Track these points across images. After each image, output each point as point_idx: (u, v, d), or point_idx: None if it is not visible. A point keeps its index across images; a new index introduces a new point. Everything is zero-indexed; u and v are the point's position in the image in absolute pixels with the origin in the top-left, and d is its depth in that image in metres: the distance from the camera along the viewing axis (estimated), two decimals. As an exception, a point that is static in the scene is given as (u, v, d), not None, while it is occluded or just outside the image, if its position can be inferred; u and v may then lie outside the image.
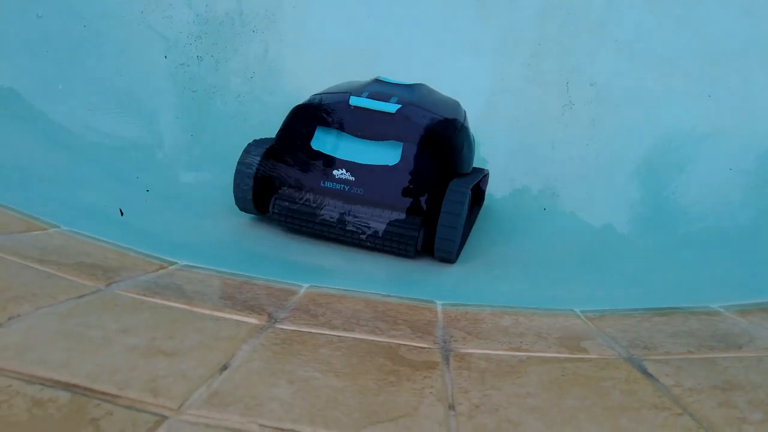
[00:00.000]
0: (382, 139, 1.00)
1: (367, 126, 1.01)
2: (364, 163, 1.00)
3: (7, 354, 0.40)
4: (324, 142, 1.04)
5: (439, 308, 0.67)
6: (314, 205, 1.02)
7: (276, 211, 1.04)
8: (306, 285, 0.71)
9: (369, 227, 0.99)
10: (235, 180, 1.06)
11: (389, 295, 0.71)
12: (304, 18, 1.55)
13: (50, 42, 1.28)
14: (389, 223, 0.99)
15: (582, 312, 0.68)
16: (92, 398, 0.36)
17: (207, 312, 0.55)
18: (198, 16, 1.48)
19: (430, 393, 0.43)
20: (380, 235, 0.99)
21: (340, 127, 1.03)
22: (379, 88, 1.07)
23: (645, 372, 0.49)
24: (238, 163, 1.06)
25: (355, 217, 1.00)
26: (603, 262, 0.94)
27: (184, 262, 0.73)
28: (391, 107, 1.02)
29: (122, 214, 0.95)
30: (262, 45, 1.51)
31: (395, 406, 0.40)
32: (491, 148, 1.31)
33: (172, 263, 0.71)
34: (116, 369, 0.40)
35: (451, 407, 0.41)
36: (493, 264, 0.97)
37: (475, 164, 1.20)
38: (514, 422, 0.39)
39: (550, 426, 0.39)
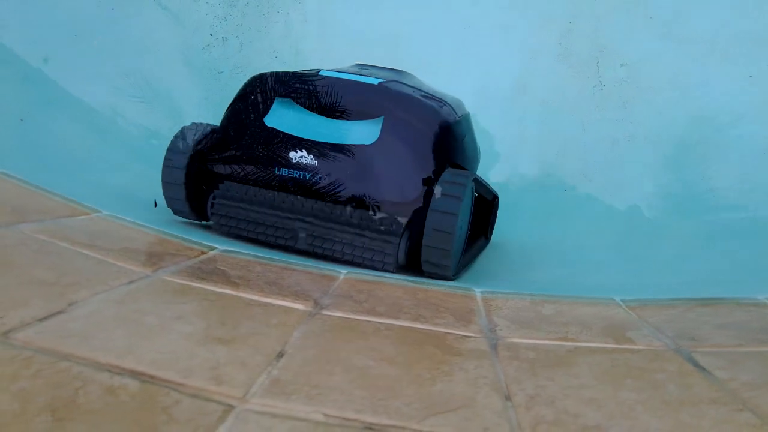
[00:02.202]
0: (358, 117, 0.77)
1: (340, 99, 0.78)
2: (330, 142, 0.76)
3: (74, 340, 0.40)
4: (282, 117, 0.79)
5: (479, 296, 0.67)
6: (264, 202, 0.79)
7: (214, 212, 0.81)
8: (344, 271, 0.71)
9: (334, 233, 0.76)
10: (162, 176, 0.83)
11: (427, 282, 0.71)
12: (329, -2, 1.53)
13: (78, 25, 1.28)
14: (361, 226, 0.75)
15: (623, 301, 0.67)
16: (159, 386, 0.37)
17: (254, 298, 0.56)
18: (223, -2, 1.47)
19: (485, 383, 0.43)
20: (348, 242, 0.75)
21: (306, 100, 0.79)
22: (358, 69, 0.89)
23: (697, 365, 0.48)
24: (166, 151, 0.83)
25: (316, 218, 0.76)
26: (638, 248, 0.93)
27: (224, 248, 0.73)
28: (373, 80, 0.81)
29: (156, 205, 0.93)
30: (286, 26, 1.50)
31: (453, 397, 0.40)
32: (521, 129, 1.29)
33: (212, 248, 0.72)
34: (177, 357, 0.41)
35: (507, 398, 0.41)
36: (525, 249, 0.96)
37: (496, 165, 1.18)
38: (572, 414, 0.39)
39: (609, 418, 0.39)
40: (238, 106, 0.84)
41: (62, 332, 0.41)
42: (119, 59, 1.29)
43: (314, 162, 0.76)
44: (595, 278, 0.81)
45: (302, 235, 0.78)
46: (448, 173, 0.76)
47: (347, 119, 0.78)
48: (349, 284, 0.66)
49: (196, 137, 0.83)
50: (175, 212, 0.87)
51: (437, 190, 0.73)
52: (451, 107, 0.87)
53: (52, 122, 1.05)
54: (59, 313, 0.45)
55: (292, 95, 0.80)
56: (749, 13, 1.25)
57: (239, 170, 0.80)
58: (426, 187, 0.75)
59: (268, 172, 0.78)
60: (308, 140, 0.77)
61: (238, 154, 0.80)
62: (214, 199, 0.82)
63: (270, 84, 0.82)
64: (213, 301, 0.53)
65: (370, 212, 0.76)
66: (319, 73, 0.81)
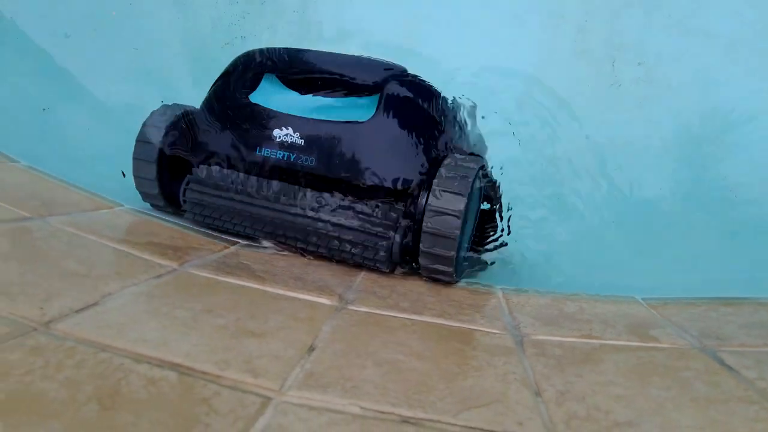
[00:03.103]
0: (353, 94, 0.70)
1: (334, 73, 0.70)
2: (319, 118, 0.68)
3: (111, 332, 0.41)
4: (268, 93, 0.72)
5: (500, 294, 0.68)
6: (243, 188, 0.70)
7: (186, 199, 0.72)
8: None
9: (320, 225, 0.67)
10: (133, 162, 0.75)
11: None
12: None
13: (96, 20, 1.29)
14: (351, 216, 0.66)
15: (644, 299, 0.67)
16: (197, 378, 0.37)
17: (280, 292, 0.57)
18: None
19: (514, 379, 0.44)
20: (336, 234, 0.67)
21: (296, 76, 0.72)
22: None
23: (723, 364, 0.48)
24: (138, 136, 0.75)
25: (301, 207, 0.68)
26: (656, 246, 0.93)
27: (245, 242, 0.74)
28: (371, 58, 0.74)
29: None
30: (303, 25, 1.50)
31: (484, 392, 0.41)
32: (534, 128, 1.29)
33: (233, 242, 0.73)
34: (212, 349, 0.41)
35: (537, 394, 0.42)
36: (541, 247, 0.96)
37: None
38: (603, 410, 0.40)
39: (639, 415, 0.39)
40: (221, 82, 0.75)
41: (99, 323, 0.42)
42: (138, 55, 1.30)
43: (300, 141, 0.67)
44: (614, 276, 0.81)
45: (284, 227, 0.69)
46: (453, 159, 0.66)
47: (340, 96, 0.71)
48: (371, 280, 0.67)
49: (169, 117, 0.75)
50: (151, 204, 0.79)
51: (443, 169, 0.64)
52: (455, 96, 0.79)
53: (72, 116, 1.06)
54: (94, 305, 0.45)
55: (281, 71, 0.73)
56: (769, 11, 1.24)
57: (216, 152, 0.72)
58: (426, 175, 0.65)
59: (249, 153, 0.69)
60: (294, 116, 0.68)
61: (216, 134, 0.72)
62: (187, 184, 0.73)
63: (258, 60, 0.74)
64: (241, 295, 0.54)
65: (362, 201, 0.67)
66: (317, 52, 0.73)
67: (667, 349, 0.52)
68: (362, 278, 0.67)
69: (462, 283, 0.70)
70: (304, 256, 0.71)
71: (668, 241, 0.97)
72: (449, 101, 0.78)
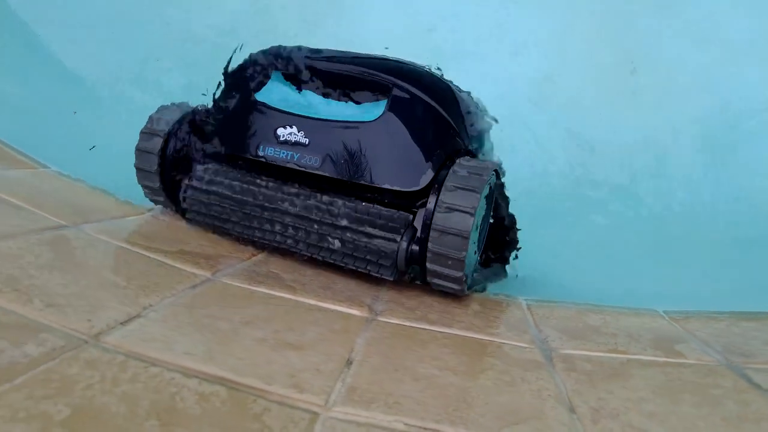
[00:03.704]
0: (363, 93, 0.68)
1: (344, 72, 0.68)
2: (325, 118, 0.66)
3: (158, 345, 0.42)
4: (275, 92, 0.71)
5: (524, 304, 0.69)
6: (244, 190, 0.68)
7: (186, 196, 0.71)
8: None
9: (324, 230, 0.65)
10: (136, 159, 0.74)
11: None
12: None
13: (114, 24, 1.30)
14: (356, 222, 0.63)
15: (665, 312, 0.68)
16: (246, 393, 0.38)
17: (313, 303, 0.58)
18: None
19: (548, 395, 0.45)
20: (339, 239, 0.64)
21: (305, 75, 0.71)
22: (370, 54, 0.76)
23: (751, 382, 0.49)
24: (140, 134, 0.73)
25: (304, 210, 0.65)
26: (674, 255, 0.94)
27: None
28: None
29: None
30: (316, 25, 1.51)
31: (521, 408, 0.42)
32: (549, 130, 1.29)
33: (260, 250, 0.74)
34: (255, 363, 0.43)
35: (572, 410, 0.43)
36: (558, 254, 0.97)
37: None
38: (637, 428, 0.41)
39: (674, 434, 0.40)
40: (229, 80, 0.74)
41: (145, 336, 0.43)
42: (155, 64, 1.31)
43: (304, 140, 0.65)
44: (633, 286, 0.82)
45: (287, 232, 0.67)
46: (465, 160, 0.63)
47: (349, 94, 0.69)
48: (397, 290, 0.68)
49: (175, 114, 0.74)
50: (154, 201, 0.78)
51: (448, 180, 0.60)
52: (471, 99, 0.76)
53: (96, 121, 1.08)
54: (137, 317, 0.46)
55: (290, 70, 0.71)
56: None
57: (219, 150, 0.71)
58: (436, 177, 0.62)
59: (252, 152, 0.67)
60: (299, 115, 0.66)
61: (220, 131, 0.71)
62: (189, 182, 0.71)
63: (267, 59, 0.73)
64: (276, 306, 0.55)
65: (367, 204, 0.64)
66: (327, 51, 0.72)
67: (694, 366, 0.53)
68: (388, 288, 0.68)
69: (486, 294, 0.71)
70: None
71: (686, 248, 0.98)
72: (472, 102, 0.76)
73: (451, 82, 0.75)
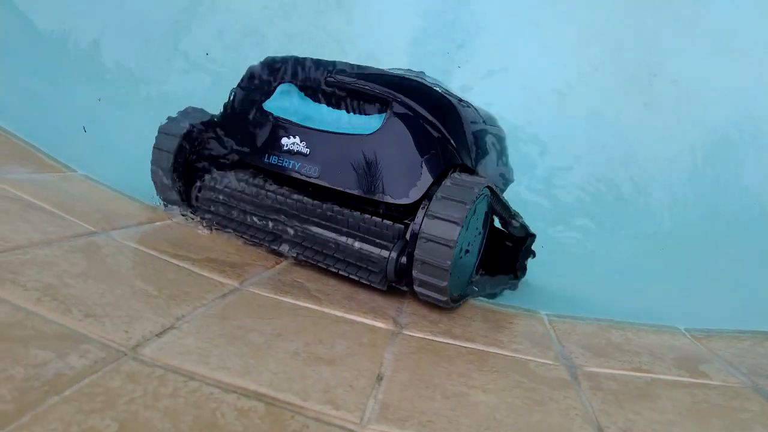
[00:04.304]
0: (368, 106, 0.70)
1: (350, 85, 0.69)
2: (326, 129, 0.68)
3: (194, 358, 0.43)
4: (281, 102, 0.74)
5: (546, 319, 0.69)
6: (249, 195, 0.72)
7: (199, 196, 0.76)
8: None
9: (321, 236, 0.68)
10: (152, 157, 0.77)
11: (491, 302, 0.73)
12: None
13: (151, 29, 1.31)
14: (351, 231, 0.67)
15: (687, 330, 0.68)
16: (283, 409, 0.39)
17: (339, 314, 0.58)
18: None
19: (576, 414, 0.45)
20: (334, 249, 0.67)
21: (311, 87, 0.73)
22: (389, 70, 0.79)
23: (778, 405, 0.50)
24: (158, 132, 0.77)
25: (304, 217, 0.69)
26: (692, 270, 0.93)
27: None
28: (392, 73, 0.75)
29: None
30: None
31: (550, 428, 0.42)
32: (567, 142, 1.29)
33: (283, 258, 0.74)
34: (290, 377, 0.43)
35: (600, 430, 0.43)
36: (576, 268, 0.97)
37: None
38: (667, 453, 0.41)
39: (704, 459, 0.41)
40: (239, 88, 0.78)
41: (181, 349, 0.44)
42: (188, 65, 1.32)
43: (306, 150, 0.68)
44: (652, 302, 0.82)
45: (286, 237, 0.71)
46: (458, 174, 0.65)
47: (357, 106, 0.71)
48: (419, 301, 0.68)
49: (195, 116, 0.78)
50: (165, 200, 0.80)
51: (439, 191, 0.62)
52: (478, 113, 0.78)
53: (118, 123, 1.09)
54: (171, 328, 0.47)
55: (299, 81, 0.74)
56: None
57: (229, 155, 0.75)
58: (429, 191, 0.63)
59: (259, 159, 0.71)
60: (301, 125, 0.69)
61: (230, 138, 0.75)
62: (201, 183, 0.77)
63: (277, 68, 0.76)
64: (304, 317, 0.55)
65: (362, 214, 0.66)
66: (336, 63, 0.74)
67: (719, 387, 0.53)
68: (410, 299, 0.68)
69: (508, 307, 0.71)
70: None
71: (704, 264, 0.98)
72: (479, 116, 0.77)
73: (455, 95, 0.76)
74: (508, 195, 0.77)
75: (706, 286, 0.89)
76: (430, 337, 0.57)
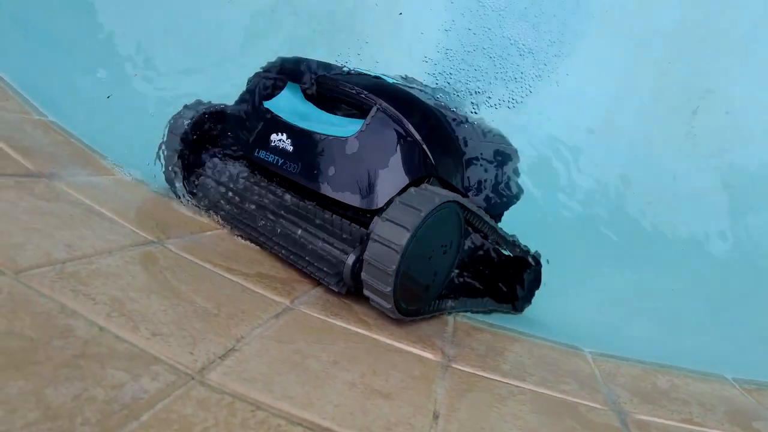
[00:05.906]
0: (353, 107, 0.72)
1: (345, 89, 0.72)
2: (309, 129, 0.71)
3: (258, 385, 0.44)
4: (282, 101, 0.77)
5: (589, 357, 0.68)
6: (240, 184, 0.77)
7: (196, 182, 0.80)
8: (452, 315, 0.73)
9: (295, 233, 0.70)
10: (165, 135, 0.81)
11: (533, 335, 0.73)
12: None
13: (177, 27, 1.33)
14: (316, 226, 0.68)
15: (735, 380, 0.67)
16: (347, 445, 0.39)
17: (388, 342, 0.59)
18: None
19: (633, 470, 0.45)
20: (300, 242, 0.69)
21: (311, 89, 0.76)
22: (397, 77, 0.81)
23: (837, 473, 0.49)
24: (171, 118, 0.81)
25: (281, 211, 0.72)
26: (735, 310, 0.92)
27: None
28: (388, 79, 0.76)
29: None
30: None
31: (610, 485, 0.42)
32: (606, 169, 1.28)
33: (328, 275, 0.75)
34: (352, 411, 0.44)
35: (659, 491, 0.43)
36: (614, 301, 0.96)
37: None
38: None
39: None
40: (248, 85, 0.82)
41: (244, 374, 0.45)
42: (217, 70, 1.33)
43: (289, 148, 0.71)
44: (694, 343, 0.81)
45: (262, 225, 0.74)
46: (424, 185, 0.64)
47: (344, 111, 0.73)
48: (464, 331, 0.68)
49: (207, 106, 0.82)
50: (171, 185, 0.82)
51: (399, 198, 0.61)
52: (479, 130, 0.77)
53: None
54: (233, 350, 0.48)
55: (299, 82, 0.77)
56: None
57: (227, 147, 0.81)
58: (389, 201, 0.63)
59: (250, 152, 0.75)
60: (291, 124, 0.72)
61: (230, 129, 0.81)
62: (203, 170, 0.81)
63: (286, 68, 0.80)
64: (356, 344, 0.56)
65: (332, 215, 0.67)
66: (344, 68, 0.77)
67: (774, 448, 0.52)
68: (454, 327, 0.68)
69: (551, 341, 0.71)
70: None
71: (747, 303, 0.96)
72: (477, 132, 0.76)
73: (454, 111, 0.76)
74: (522, 215, 0.76)
75: (748, 330, 0.88)
76: (481, 373, 0.57)
